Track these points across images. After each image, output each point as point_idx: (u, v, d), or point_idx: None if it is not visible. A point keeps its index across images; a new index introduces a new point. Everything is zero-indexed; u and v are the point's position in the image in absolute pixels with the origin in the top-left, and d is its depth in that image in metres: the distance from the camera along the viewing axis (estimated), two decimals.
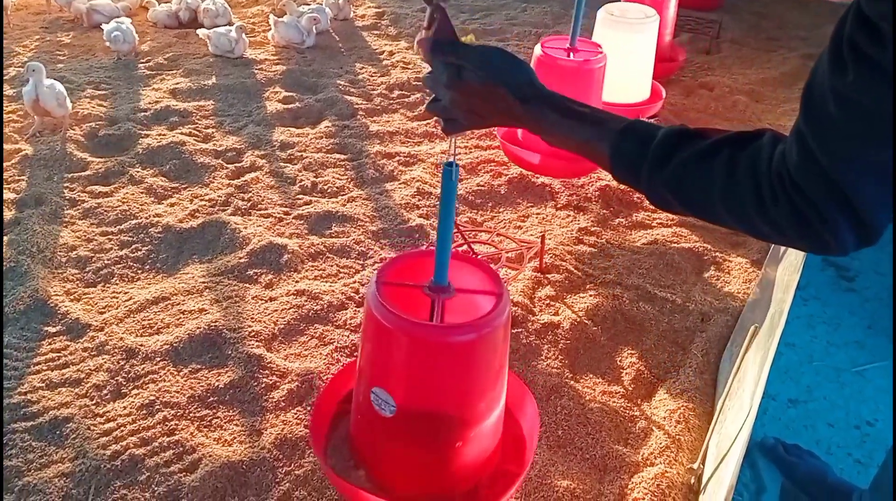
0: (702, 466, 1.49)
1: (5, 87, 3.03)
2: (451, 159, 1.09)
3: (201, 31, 3.51)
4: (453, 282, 1.21)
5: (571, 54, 2.36)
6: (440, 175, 2.55)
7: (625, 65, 2.76)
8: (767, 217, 0.77)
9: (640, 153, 0.88)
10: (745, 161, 0.79)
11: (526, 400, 1.45)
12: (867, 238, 0.74)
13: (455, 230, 2.18)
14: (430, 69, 0.99)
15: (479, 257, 2.11)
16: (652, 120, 2.47)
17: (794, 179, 0.73)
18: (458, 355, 1.16)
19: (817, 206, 0.71)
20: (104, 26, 3.37)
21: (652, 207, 2.43)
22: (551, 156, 2.29)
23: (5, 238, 2.12)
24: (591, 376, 1.77)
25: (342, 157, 2.69)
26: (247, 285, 2.02)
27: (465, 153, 2.74)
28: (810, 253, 0.80)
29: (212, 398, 1.64)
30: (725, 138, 0.83)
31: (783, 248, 1.93)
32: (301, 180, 2.53)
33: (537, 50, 2.39)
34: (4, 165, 2.48)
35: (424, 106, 1.03)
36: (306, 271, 2.09)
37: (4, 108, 2.83)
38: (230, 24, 3.78)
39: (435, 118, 1.06)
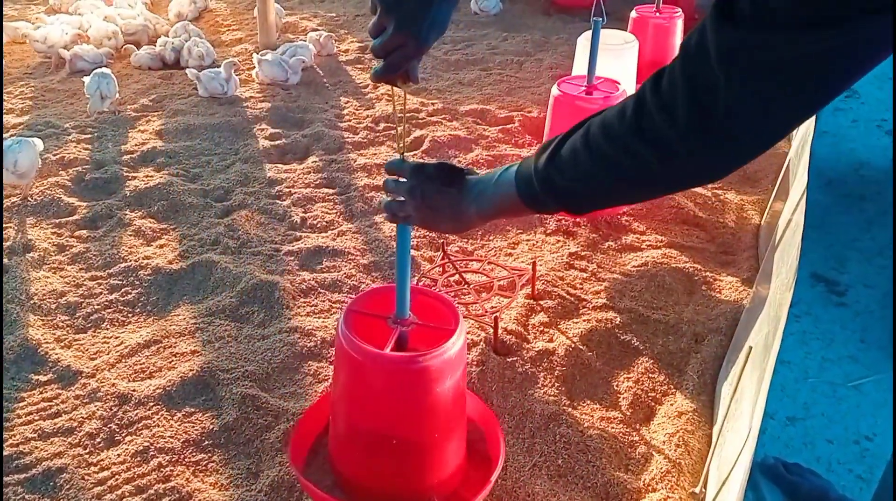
0: (704, 490, 1.48)
1: None
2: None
3: (190, 72, 3.50)
4: (419, 314, 1.36)
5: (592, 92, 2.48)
6: None
7: None
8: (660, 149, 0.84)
9: (531, 170, 1.00)
10: (607, 118, 0.90)
11: (492, 425, 1.53)
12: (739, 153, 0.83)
13: (446, 260, 2.19)
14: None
15: (472, 286, 2.11)
16: None
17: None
18: (387, 380, 1.30)
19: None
20: (85, 79, 3.21)
21: (638, 231, 2.47)
22: None
23: None
24: (588, 402, 1.76)
25: (330, 191, 2.70)
26: (239, 324, 2.01)
27: None
28: (706, 178, 0.91)
29: (206, 442, 1.63)
30: (583, 120, 0.95)
31: (773, 265, 1.94)
32: (290, 216, 2.53)
33: (554, 90, 2.51)
34: None
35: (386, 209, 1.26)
36: (298, 307, 2.08)
37: None
38: (215, 63, 3.79)
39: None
